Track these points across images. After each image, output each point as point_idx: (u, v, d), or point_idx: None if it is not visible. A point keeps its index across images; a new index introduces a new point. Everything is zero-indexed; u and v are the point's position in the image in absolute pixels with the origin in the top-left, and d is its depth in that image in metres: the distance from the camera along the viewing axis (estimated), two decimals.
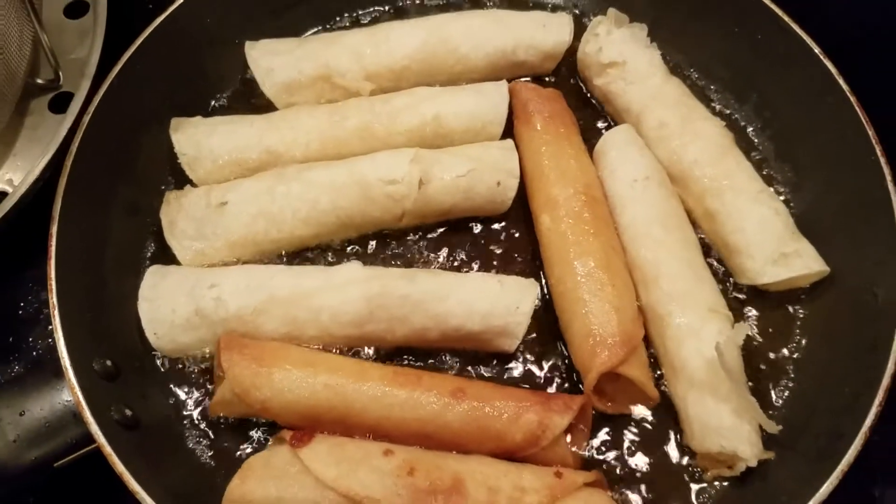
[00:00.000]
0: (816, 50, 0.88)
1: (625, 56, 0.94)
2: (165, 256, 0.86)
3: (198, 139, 0.89)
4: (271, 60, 0.95)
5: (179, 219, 0.86)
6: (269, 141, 0.89)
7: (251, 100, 0.98)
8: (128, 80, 0.86)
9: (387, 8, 1.05)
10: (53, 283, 0.73)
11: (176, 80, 0.93)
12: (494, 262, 0.88)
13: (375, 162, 0.86)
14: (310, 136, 0.90)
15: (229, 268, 0.83)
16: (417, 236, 0.90)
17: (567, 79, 1.01)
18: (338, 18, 1.04)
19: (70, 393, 0.69)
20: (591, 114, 0.98)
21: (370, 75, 0.95)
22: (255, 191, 0.85)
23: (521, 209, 0.91)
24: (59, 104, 0.99)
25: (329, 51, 0.95)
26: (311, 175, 0.86)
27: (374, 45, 0.95)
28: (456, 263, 0.88)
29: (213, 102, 0.98)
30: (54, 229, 0.76)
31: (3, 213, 0.87)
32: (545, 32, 0.98)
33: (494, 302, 0.79)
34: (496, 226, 0.91)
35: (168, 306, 0.79)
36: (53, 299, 0.72)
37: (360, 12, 1.05)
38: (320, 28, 1.04)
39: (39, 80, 0.99)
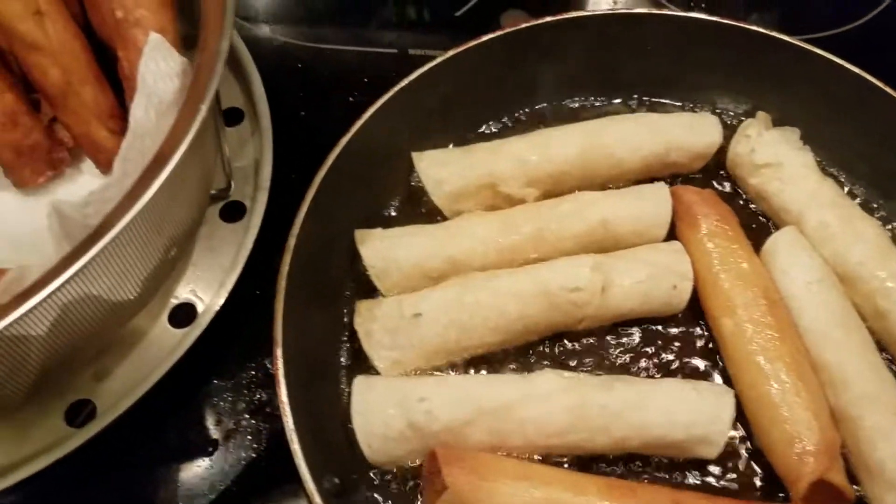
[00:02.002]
0: None
1: (779, 158, 0.98)
2: (358, 365, 0.90)
3: (384, 252, 0.93)
4: (440, 171, 1.00)
5: (374, 329, 0.89)
6: (450, 251, 0.93)
7: (418, 206, 1.02)
8: (320, 198, 0.91)
9: (528, 110, 1.10)
10: (290, 419, 0.76)
11: (357, 193, 0.97)
12: (673, 364, 0.91)
13: (557, 270, 0.90)
14: (487, 245, 0.94)
15: (433, 378, 0.87)
16: (594, 337, 0.94)
17: (716, 175, 1.06)
18: (489, 123, 1.09)
19: None
20: (744, 211, 1.02)
21: (532, 181, 1.00)
22: (445, 301, 0.89)
23: (690, 309, 0.94)
24: (230, 213, 1.04)
25: (493, 160, 1.00)
26: (498, 285, 0.90)
27: (535, 152, 1.00)
28: (636, 365, 0.92)
29: (386, 211, 1.02)
30: (279, 352, 0.80)
31: (202, 328, 0.91)
32: (695, 134, 1.03)
33: (694, 411, 0.82)
34: (669, 327, 0.94)
35: (380, 419, 0.82)
36: (290, 423, 0.76)
37: (505, 119, 1.10)
38: (471, 134, 1.09)
39: (212, 191, 1.04)
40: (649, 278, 0.91)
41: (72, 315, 0.71)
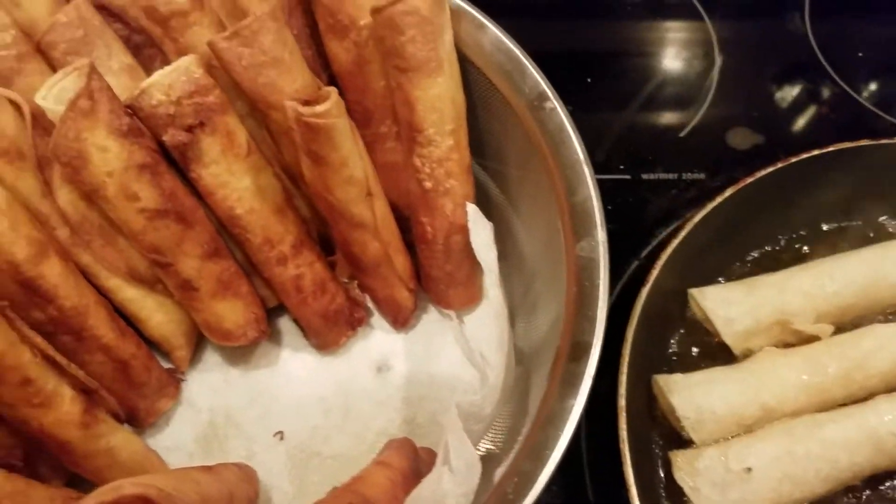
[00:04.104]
0: None
1: None
2: None
3: (696, 400, 0.94)
4: (728, 310, 1.00)
5: (700, 484, 0.89)
6: (763, 397, 0.94)
7: (698, 342, 1.03)
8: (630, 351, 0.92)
9: (789, 236, 1.11)
10: None
11: (645, 337, 0.98)
12: None
13: (881, 414, 0.90)
14: (796, 388, 0.94)
15: None
16: None
17: None
18: (752, 251, 1.10)
19: None
20: None
21: (820, 315, 1.00)
22: (775, 454, 0.89)
23: None
24: None
25: (780, 296, 1.01)
26: (826, 434, 0.90)
27: (821, 286, 1.01)
28: None
29: (668, 350, 1.03)
30: None
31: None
32: None
33: None
34: None
35: None
36: None
37: (767, 246, 1.10)
38: (737, 263, 1.09)
39: None
40: None
41: None
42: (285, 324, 1.03)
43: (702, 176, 1.21)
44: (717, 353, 1.02)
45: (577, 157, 0.82)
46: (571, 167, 0.81)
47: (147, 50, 0.92)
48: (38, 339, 0.76)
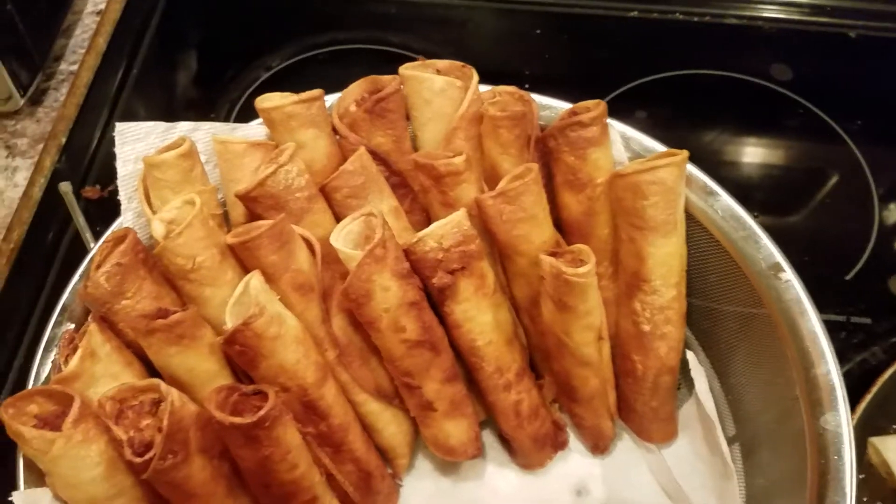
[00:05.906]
0: None
1: None
2: None
3: None
4: None
5: None
6: None
7: (875, 485, 1.09)
8: None
9: None
10: None
11: None
12: None
13: None
14: None
15: None
16: None
17: None
18: None
19: None
20: None
21: None
22: None
23: None
24: None
25: None
26: None
27: None
28: None
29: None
30: None
31: None
32: None
33: None
34: None
35: None
36: None
37: None
38: None
39: None
40: None
41: None
42: (487, 437, 1.11)
43: (868, 321, 1.27)
44: (890, 497, 1.08)
45: (816, 331, 0.88)
46: (811, 339, 0.87)
47: (400, 189, 1.03)
48: (327, 460, 0.86)
